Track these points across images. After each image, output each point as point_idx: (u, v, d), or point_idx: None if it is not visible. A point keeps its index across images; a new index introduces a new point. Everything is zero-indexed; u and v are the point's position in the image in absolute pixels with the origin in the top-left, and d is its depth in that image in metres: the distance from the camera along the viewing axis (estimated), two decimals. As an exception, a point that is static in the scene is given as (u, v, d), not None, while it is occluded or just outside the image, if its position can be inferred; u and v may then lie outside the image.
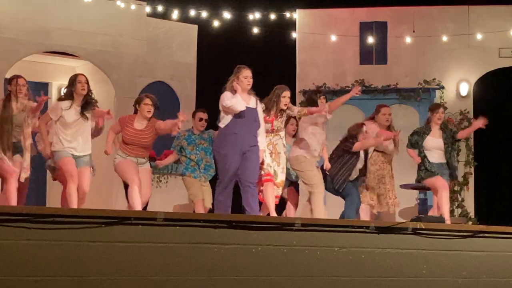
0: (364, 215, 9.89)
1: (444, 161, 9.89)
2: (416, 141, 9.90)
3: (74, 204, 8.13)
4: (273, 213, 8.44)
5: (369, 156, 10.06)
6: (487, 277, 7.89)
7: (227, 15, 14.44)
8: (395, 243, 7.50)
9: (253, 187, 8.24)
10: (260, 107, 8.45)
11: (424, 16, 15.29)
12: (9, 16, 12.69)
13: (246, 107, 8.23)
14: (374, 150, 10.13)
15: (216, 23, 14.50)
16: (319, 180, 9.26)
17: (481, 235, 8.00)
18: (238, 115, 8.18)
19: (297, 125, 9.73)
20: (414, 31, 14.98)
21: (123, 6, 13.71)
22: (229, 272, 6.68)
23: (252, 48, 15.03)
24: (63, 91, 8.70)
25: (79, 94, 8.33)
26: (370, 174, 10.02)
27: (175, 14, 14.28)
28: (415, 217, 8.90)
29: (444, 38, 14.92)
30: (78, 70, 13.85)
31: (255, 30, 14.83)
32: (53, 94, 14.18)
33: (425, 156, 9.81)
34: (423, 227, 7.67)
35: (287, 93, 8.84)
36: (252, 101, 8.36)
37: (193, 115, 10.03)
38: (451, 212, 14.29)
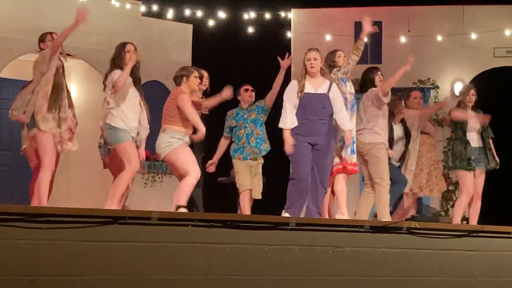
0: (408, 201, 9.73)
1: (481, 145, 9.49)
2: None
3: (121, 193, 7.54)
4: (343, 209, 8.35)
5: (416, 138, 9.75)
6: (482, 276, 7.91)
7: (222, 14, 14.46)
8: (390, 243, 7.50)
9: (324, 191, 7.94)
10: (335, 91, 8.06)
11: (418, 16, 15.33)
12: (3, 15, 12.67)
13: (313, 93, 7.91)
14: (422, 132, 9.88)
15: (211, 23, 14.52)
16: (388, 173, 8.71)
17: (475, 234, 8.02)
18: (304, 104, 7.87)
19: None
20: (409, 31, 15.03)
21: (118, 6, 13.72)
22: (224, 271, 6.68)
23: (247, 47, 15.06)
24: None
25: (127, 66, 7.66)
26: (422, 157, 9.79)
27: (170, 13, 14.30)
28: (410, 216, 8.92)
29: (439, 38, 14.97)
30: (73, 70, 13.87)
31: (250, 30, 14.86)
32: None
33: (468, 142, 9.36)
34: (418, 227, 7.67)
35: (341, 53, 8.67)
36: (325, 86, 8.01)
37: (238, 92, 9.42)
38: (446, 211, 14.33)
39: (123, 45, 7.81)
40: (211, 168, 9.42)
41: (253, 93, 9.42)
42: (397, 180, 9.16)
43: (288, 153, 7.81)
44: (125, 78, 7.59)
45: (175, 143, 7.75)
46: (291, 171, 8.04)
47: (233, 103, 9.57)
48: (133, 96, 7.75)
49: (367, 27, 8.52)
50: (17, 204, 8.33)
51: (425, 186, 9.91)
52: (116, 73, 7.62)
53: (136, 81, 7.83)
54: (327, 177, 8.02)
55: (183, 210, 7.42)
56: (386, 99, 8.76)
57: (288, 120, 7.87)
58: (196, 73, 8.04)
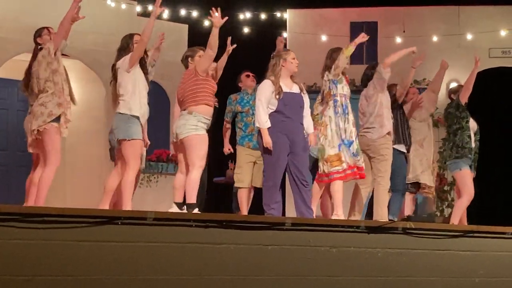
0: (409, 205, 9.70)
1: (472, 146, 9.38)
2: (463, 110, 9.33)
3: (131, 194, 7.50)
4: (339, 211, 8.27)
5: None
6: (477, 276, 7.92)
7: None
8: (385, 243, 7.51)
9: (306, 186, 7.88)
10: (305, 93, 8.12)
11: (414, 16, 15.35)
12: (-1, 14, 12.66)
13: (291, 92, 7.94)
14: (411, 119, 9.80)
15: (206, 23, 14.49)
16: (389, 172, 8.79)
17: (470, 234, 8.03)
18: (284, 103, 7.86)
19: None
20: (404, 31, 15.03)
21: (113, 6, 13.71)
22: (220, 271, 6.68)
23: (243, 47, 15.01)
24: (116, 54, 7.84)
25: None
26: (425, 146, 9.73)
27: (165, 13, 14.28)
28: (405, 216, 8.93)
29: (435, 38, 14.98)
30: (69, 69, 13.84)
31: (246, 30, 14.84)
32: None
33: (469, 137, 9.27)
34: (413, 227, 7.68)
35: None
36: (295, 87, 8.04)
37: (239, 78, 9.53)
38: (441, 212, 14.35)
39: (130, 36, 7.84)
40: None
41: (255, 78, 9.36)
42: (398, 188, 9.19)
43: (269, 148, 7.76)
44: (152, 25, 7.66)
45: (200, 130, 7.71)
46: (265, 174, 7.95)
47: (234, 89, 9.51)
48: (142, 80, 7.74)
49: (360, 39, 8.54)
50: (13, 204, 8.32)
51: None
52: (127, 56, 7.63)
53: (145, 71, 7.81)
54: (306, 173, 7.94)
55: (196, 210, 7.48)
56: (386, 73, 8.80)
57: (264, 119, 7.85)
58: (201, 52, 8.06)
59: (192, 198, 7.58)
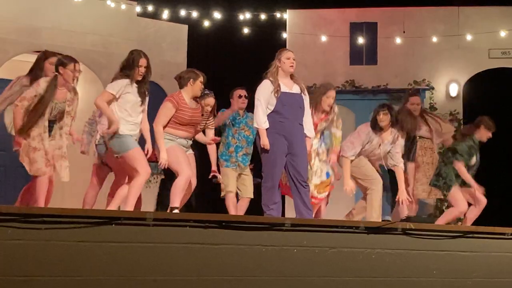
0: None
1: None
2: (469, 155, 9.43)
3: (135, 200, 7.45)
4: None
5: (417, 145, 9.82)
6: (476, 277, 7.91)
7: (217, 15, 14.45)
8: (385, 243, 7.50)
9: (305, 186, 7.89)
10: (306, 94, 8.07)
11: (414, 17, 15.34)
12: (-2, 15, 12.66)
13: (289, 92, 7.89)
14: (420, 137, 9.97)
15: (206, 23, 14.51)
16: (377, 175, 8.86)
17: (470, 235, 8.02)
18: (282, 103, 7.84)
19: None
20: (404, 32, 15.03)
21: (113, 6, 13.70)
22: (219, 272, 6.68)
23: (242, 48, 15.04)
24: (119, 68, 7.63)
25: (134, 78, 7.54)
26: (424, 163, 9.81)
27: (165, 14, 14.29)
28: (404, 217, 8.92)
29: (434, 39, 14.97)
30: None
31: (246, 30, 14.84)
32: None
33: (457, 175, 9.34)
34: (413, 228, 7.67)
35: (332, 93, 8.57)
36: (296, 87, 8.00)
37: (231, 95, 9.23)
38: (441, 212, 14.32)
39: (138, 56, 7.59)
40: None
41: (247, 100, 9.17)
42: (388, 189, 9.22)
43: (266, 148, 7.79)
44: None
45: (166, 144, 7.77)
46: (263, 175, 7.96)
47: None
48: (139, 103, 7.65)
49: None
50: (11, 204, 8.31)
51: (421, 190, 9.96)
52: (119, 81, 7.50)
53: (144, 89, 7.69)
54: (305, 173, 7.93)
55: (176, 211, 7.45)
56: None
57: (262, 120, 7.83)
58: (201, 79, 7.97)
59: (173, 203, 7.60)
